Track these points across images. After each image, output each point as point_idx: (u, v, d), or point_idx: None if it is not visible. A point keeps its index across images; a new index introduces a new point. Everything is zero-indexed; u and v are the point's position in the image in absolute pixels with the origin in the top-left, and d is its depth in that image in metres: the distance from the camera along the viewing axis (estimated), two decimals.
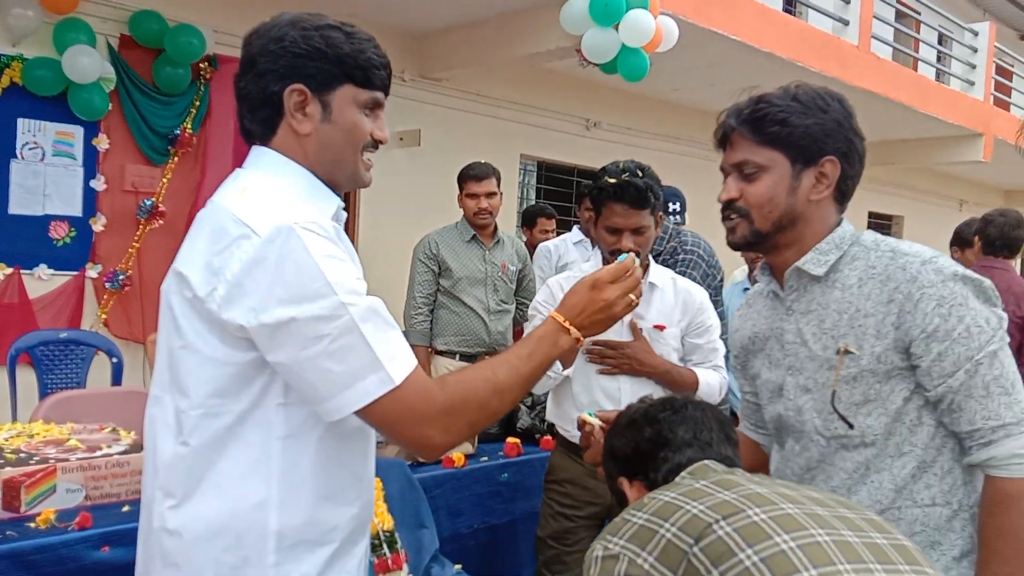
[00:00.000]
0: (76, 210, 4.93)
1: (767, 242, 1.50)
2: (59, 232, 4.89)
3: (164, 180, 5.18)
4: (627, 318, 2.45)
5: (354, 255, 1.30)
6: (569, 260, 4.50)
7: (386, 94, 1.36)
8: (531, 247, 5.01)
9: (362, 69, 1.30)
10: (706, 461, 1.36)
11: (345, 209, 1.37)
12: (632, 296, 1.39)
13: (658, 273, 2.50)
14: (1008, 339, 1.41)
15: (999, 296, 1.43)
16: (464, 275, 3.90)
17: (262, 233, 1.16)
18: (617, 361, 2.40)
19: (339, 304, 1.15)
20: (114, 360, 4.16)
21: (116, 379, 4.15)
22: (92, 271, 4.98)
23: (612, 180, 2.33)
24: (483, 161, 4.00)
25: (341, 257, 1.20)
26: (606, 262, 2.41)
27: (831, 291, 1.46)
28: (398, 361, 1.19)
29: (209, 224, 1.24)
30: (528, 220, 5.68)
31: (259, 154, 1.33)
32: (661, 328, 2.44)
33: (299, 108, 1.28)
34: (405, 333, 3.89)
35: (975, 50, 10.12)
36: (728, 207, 1.50)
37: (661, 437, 1.42)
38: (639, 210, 2.32)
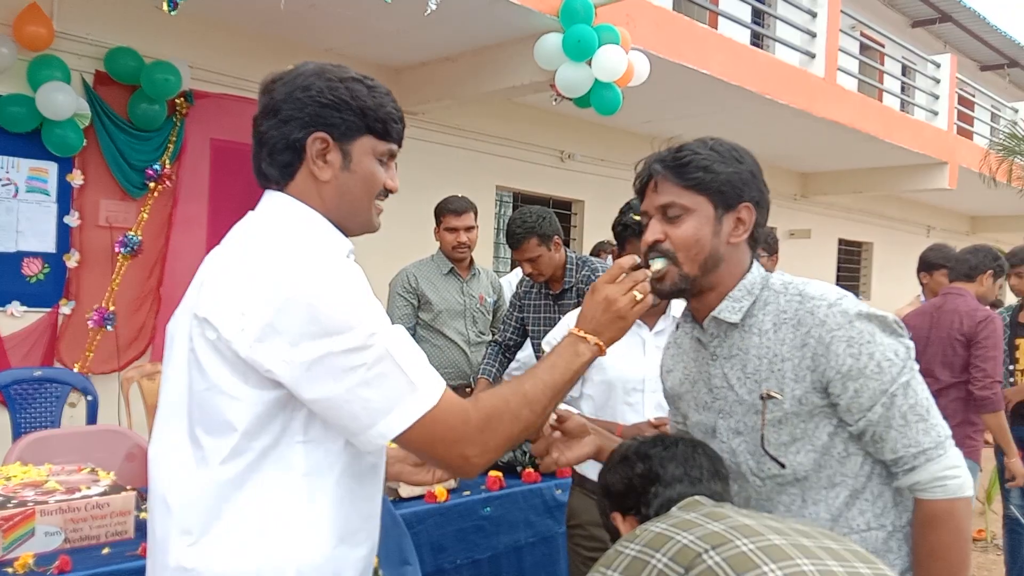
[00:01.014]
0: (50, 246, 4.89)
1: (695, 287, 1.53)
2: (32, 269, 4.84)
3: (143, 215, 5.17)
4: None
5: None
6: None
7: (400, 146, 1.41)
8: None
9: (382, 122, 1.36)
10: (696, 496, 1.39)
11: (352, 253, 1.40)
12: (636, 293, 1.42)
13: (680, 307, 2.50)
14: (917, 366, 1.48)
15: (904, 327, 1.50)
16: (444, 308, 3.90)
17: (289, 272, 1.19)
18: None
19: (370, 334, 1.19)
20: (89, 398, 4.11)
21: (91, 417, 4.09)
22: (66, 308, 4.93)
23: (637, 216, 2.30)
24: (460, 195, 4.01)
25: (366, 289, 1.24)
26: None
27: (749, 336, 1.52)
28: (430, 383, 1.24)
29: (230, 266, 1.26)
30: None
31: (273, 198, 1.36)
32: None
33: (320, 155, 1.32)
34: None
35: (938, 81, 10.39)
36: (653, 249, 1.53)
37: (652, 473, 1.45)
38: None
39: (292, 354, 1.17)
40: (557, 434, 1.70)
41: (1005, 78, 15.57)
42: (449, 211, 3.91)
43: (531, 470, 2.96)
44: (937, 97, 10.32)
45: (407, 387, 1.20)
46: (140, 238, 5.11)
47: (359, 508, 1.34)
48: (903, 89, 10.88)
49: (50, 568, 1.91)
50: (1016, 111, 12.20)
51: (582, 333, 1.40)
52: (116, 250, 5.06)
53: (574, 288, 3.53)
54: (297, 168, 1.34)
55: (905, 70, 10.88)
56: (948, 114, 10.24)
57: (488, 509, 2.74)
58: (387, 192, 1.41)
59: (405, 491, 2.58)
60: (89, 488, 2.21)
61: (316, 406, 1.21)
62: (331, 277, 1.20)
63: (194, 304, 1.28)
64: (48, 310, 4.89)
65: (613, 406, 2.51)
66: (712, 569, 1.13)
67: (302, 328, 1.17)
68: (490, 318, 4.15)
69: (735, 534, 1.18)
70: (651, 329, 2.55)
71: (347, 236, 1.39)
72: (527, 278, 3.68)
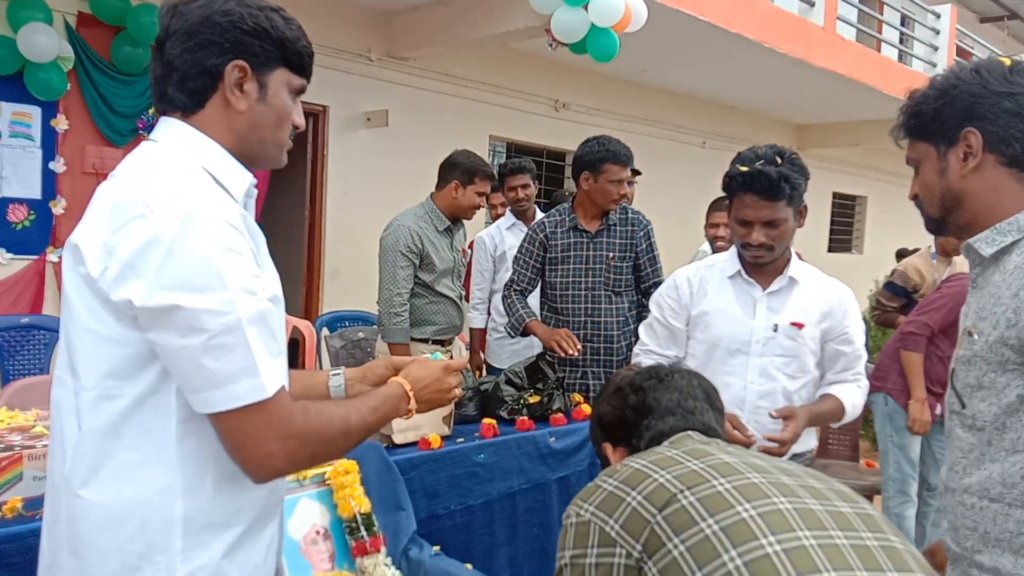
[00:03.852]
0: (35, 193, 4.81)
1: (945, 226, 1.53)
2: (18, 215, 4.77)
3: None
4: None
5: (260, 243, 1.27)
6: (506, 247, 4.39)
7: (309, 83, 1.39)
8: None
9: (299, 55, 1.33)
10: (688, 432, 1.39)
11: (257, 187, 1.35)
12: (458, 391, 1.57)
13: (800, 269, 2.36)
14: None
15: None
16: (443, 267, 3.76)
17: (160, 215, 1.13)
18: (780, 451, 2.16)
19: (227, 301, 1.12)
20: None
21: None
22: (53, 255, 4.87)
23: (743, 168, 2.19)
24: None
25: (241, 251, 1.17)
26: (740, 255, 2.35)
27: (994, 273, 1.43)
28: (273, 373, 1.17)
29: (110, 200, 1.19)
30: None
31: (169, 126, 1.29)
32: (799, 325, 2.28)
33: (238, 84, 1.27)
34: (384, 331, 3.63)
35: (937, 32, 10.25)
36: (915, 202, 1.57)
37: (645, 405, 1.45)
38: (771, 201, 2.17)
39: (144, 298, 1.11)
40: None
41: (1004, 30, 15.41)
42: (487, 176, 3.75)
43: (525, 418, 2.95)
44: (936, 48, 10.19)
45: (248, 368, 1.14)
46: None
47: None
48: (902, 39, 10.74)
49: (39, 512, 1.88)
50: None
51: (411, 393, 1.46)
52: None
53: (615, 228, 3.49)
54: (209, 96, 1.27)
55: (904, 20, 10.72)
56: (947, 66, 10.10)
57: (482, 456, 2.73)
58: (295, 129, 1.37)
59: (398, 438, 2.57)
60: None
61: (157, 349, 1.15)
62: (203, 228, 1.13)
63: (72, 235, 1.22)
64: (35, 257, 4.83)
65: (713, 368, 2.30)
66: (685, 509, 1.14)
67: (158, 275, 1.11)
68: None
69: (712, 473, 1.19)
70: (764, 289, 2.33)
71: (253, 169, 1.34)
72: (551, 218, 3.56)
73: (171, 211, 1.13)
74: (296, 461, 1.21)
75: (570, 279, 3.49)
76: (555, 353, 3.28)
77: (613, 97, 8.24)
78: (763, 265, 2.31)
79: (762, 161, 2.18)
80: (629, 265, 3.52)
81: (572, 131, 7.99)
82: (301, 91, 1.37)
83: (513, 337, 3.75)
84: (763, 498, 1.14)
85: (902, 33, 10.55)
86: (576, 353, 3.24)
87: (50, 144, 4.83)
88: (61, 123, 4.84)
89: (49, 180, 4.84)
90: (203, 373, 1.13)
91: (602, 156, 3.39)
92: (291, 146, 1.40)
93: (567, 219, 3.51)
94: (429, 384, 1.50)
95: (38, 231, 4.84)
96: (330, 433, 1.25)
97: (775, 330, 2.29)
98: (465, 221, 3.92)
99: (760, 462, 1.25)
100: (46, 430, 2.17)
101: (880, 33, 10.12)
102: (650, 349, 2.52)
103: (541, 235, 3.54)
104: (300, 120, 1.38)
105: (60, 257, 4.81)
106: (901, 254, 9.89)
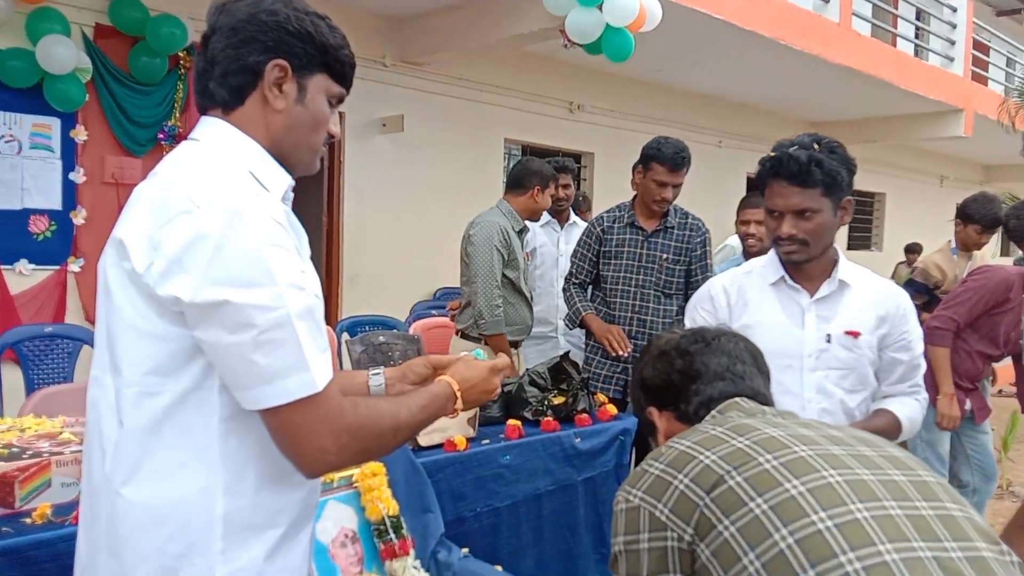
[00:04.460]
0: (56, 203, 4.84)
1: None
2: (39, 226, 4.79)
3: None
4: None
5: (303, 239, 1.27)
6: (538, 244, 4.48)
7: (348, 93, 1.41)
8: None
9: (340, 63, 1.35)
10: (736, 398, 1.37)
11: (295, 189, 1.35)
12: (498, 391, 1.58)
13: (850, 271, 2.15)
14: None
15: None
16: (521, 266, 3.86)
17: (207, 211, 1.12)
18: None
19: (277, 296, 1.12)
20: None
21: None
22: (74, 265, 4.90)
23: (772, 154, 2.03)
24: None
25: (287, 247, 1.17)
26: (780, 259, 2.14)
27: None
28: (322, 367, 1.17)
29: (152, 196, 1.19)
30: None
31: (210, 125, 1.29)
32: (854, 334, 2.07)
33: (277, 84, 1.28)
34: (485, 324, 3.65)
35: (953, 26, 10.16)
36: None
37: (693, 370, 1.43)
38: (801, 188, 1.98)
39: (192, 294, 1.11)
40: None
41: (1022, 23, 15.25)
42: (556, 180, 3.98)
43: (550, 418, 2.93)
44: (953, 42, 10.10)
45: (299, 363, 1.13)
46: None
47: None
48: (917, 34, 10.65)
49: (68, 518, 1.88)
50: None
51: (458, 393, 1.46)
52: None
53: (673, 231, 3.54)
54: (249, 93, 1.28)
55: (920, 14, 10.63)
56: (964, 60, 10.02)
57: (507, 458, 2.72)
58: (330, 137, 1.38)
59: (424, 440, 2.55)
60: None
61: (204, 346, 1.15)
62: (251, 224, 1.13)
63: (115, 230, 1.22)
64: (57, 268, 4.86)
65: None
66: (733, 489, 1.13)
67: (207, 270, 1.10)
68: None
69: (759, 450, 1.17)
70: (812, 295, 2.12)
71: (290, 172, 1.34)
72: (611, 213, 3.62)
73: (217, 207, 1.13)
74: (348, 456, 1.20)
75: (621, 274, 3.52)
76: (606, 350, 3.40)
77: (628, 98, 8.21)
78: (799, 264, 2.10)
79: (795, 147, 2.02)
80: (682, 269, 3.55)
81: (587, 133, 7.97)
82: (340, 99, 1.38)
83: (571, 329, 3.83)
84: (812, 472, 1.12)
85: (918, 28, 10.46)
86: (625, 354, 3.31)
87: (70, 155, 4.86)
88: (80, 134, 4.87)
89: (69, 191, 4.87)
90: (253, 369, 1.12)
91: (652, 154, 3.46)
92: (324, 152, 1.39)
93: (626, 215, 3.58)
94: (476, 384, 1.50)
95: (59, 242, 4.86)
96: (381, 428, 1.24)
97: (828, 341, 2.08)
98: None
99: (808, 432, 1.23)
100: (74, 437, 2.18)
101: (895, 28, 10.04)
102: None
103: (598, 229, 3.60)
104: (336, 128, 1.38)
105: (82, 267, 4.88)
106: (910, 249, 9.87)
